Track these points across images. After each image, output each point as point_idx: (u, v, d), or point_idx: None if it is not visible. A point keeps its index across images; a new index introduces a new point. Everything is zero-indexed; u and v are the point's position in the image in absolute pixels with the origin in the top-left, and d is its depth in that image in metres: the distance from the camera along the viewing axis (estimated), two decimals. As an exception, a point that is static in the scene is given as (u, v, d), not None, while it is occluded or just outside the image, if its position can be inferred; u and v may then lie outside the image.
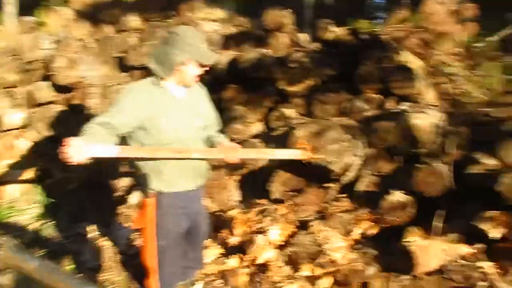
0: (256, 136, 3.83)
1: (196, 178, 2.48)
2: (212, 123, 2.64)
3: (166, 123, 2.32)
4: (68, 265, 3.59)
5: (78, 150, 1.99)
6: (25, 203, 4.76)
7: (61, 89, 4.86)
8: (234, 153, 2.52)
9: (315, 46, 4.72)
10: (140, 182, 2.46)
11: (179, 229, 2.45)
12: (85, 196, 4.63)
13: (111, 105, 2.33)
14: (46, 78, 5.02)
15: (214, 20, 4.99)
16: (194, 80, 2.41)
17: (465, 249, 2.80)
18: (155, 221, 2.35)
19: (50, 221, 4.33)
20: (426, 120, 3.09)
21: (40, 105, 4.98)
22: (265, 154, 2.81)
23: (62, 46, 4.99)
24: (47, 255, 3.69)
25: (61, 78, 4.65)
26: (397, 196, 3.06)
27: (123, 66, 4.75)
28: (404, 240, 2.89)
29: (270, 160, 3.39)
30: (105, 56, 4.89)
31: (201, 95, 2.58)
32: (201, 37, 2.42)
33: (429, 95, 3.82)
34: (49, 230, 4.16)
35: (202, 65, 2.34)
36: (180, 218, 2.44)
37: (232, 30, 4.92)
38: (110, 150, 2.15)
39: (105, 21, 5.05)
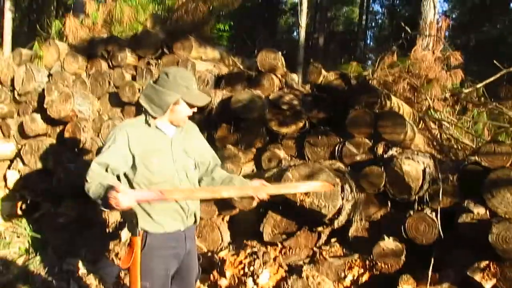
0: (247, 176, 3.83)
1: (185, 218, 2.42)
2: (207, 160, 2.59)
3: (158, 163, 2.31)
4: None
5: (126, 196, 1.96)
6: (11, 236, 4.65)
7: (53, 122, 4.86)
8: (264, 190, 2.42)
9: (307, 89, 4.82)
10: (126, 220, 2.43)
11: (165, 270, 2.38)
12: (74, 231, 4.54)
13: (105, 144, 2.31)
14: (38, 110, 5.03)
15: (207, 60, 5.09)
16: (185, 120, 2.43)
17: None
18: (141, 261, 2.27)
19: (36, 256, 4.21)
20: (415, 166, 3.13)
21: (31, 137, 4.95)
22: (291, 189, 2.78)
23: (56, 79, 5.03)
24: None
25: (54, 111, 4.65)
26: (389, 242, 3.07)
27: (117, 101, 4.77)
28: (396, 288, 2.87)
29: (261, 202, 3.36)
30: (98, 91, 4.92)
31: (193, 133, 2.58)
32: (192, 78, 2.45)
33: (418, 141, 3.89)
34: (35, 265, 4.05)
35: (192, 106, 2.37)
36: (167, 259, 2.37)
37: (224, 70, 5.01)
38: (152, 194, 2.13)
39: (100, 56, 5.10)
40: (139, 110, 4.60)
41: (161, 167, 2.31)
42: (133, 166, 2.28)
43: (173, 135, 2.42)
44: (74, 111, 4.62)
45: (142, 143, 2.29)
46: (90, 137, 4.73)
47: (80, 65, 5.10)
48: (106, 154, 2.24)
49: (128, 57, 4.91)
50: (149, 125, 2.35)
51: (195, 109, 2.40)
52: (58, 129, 4.97)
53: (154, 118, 2.34)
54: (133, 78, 4.83)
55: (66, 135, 4.74)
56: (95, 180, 2.11)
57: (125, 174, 2.31)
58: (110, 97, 4.88)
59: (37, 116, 4.95)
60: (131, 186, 2.29)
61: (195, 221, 2.51)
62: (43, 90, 4.96)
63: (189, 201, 2.41)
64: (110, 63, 5.04)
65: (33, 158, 4.85)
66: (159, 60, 4.79)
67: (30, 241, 4.55)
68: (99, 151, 2.45)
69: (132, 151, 2.26)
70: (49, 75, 5.22)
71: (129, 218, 2.34)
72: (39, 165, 4.83)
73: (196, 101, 2.37)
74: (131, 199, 1.98)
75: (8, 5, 10.61)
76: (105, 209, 2.10)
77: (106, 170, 2.19)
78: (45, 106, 4.75)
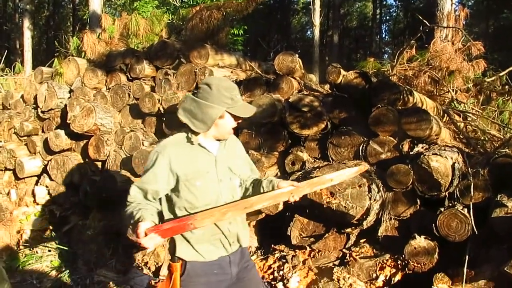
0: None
1: (227, 244, 2.22)
2: (247, 175, 2.41)
3: (202, 186, 2.15)
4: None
5: (150, 241, 1.88)
6: (43, 250, 4.75)
7: (77, 136, 4.94)
8: (298, 192, 2.23)
9: (326, 89, 4.78)
10: (168, 249, 2.24)
11: None
12: (101, 243, 4.61)
13: (146, 168, 2.17)
14: (62, 126, 5.13)
15: (224, 66, 5.09)
16: (230, 133, 2.25)
17: (495, 297, 2.71)
18: None
19: (67, 269, 4.29)
20: (443, 162, 3.06)
21: (56, 152, 5.05)
22: (325, 183, 2.46)
23: (77, 95, 5.12)
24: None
25: (77, 126, 4.73)
26: (420, 241, 3.01)
27: (137, 113, 4.82)
28: (430, 287, 2.81)
29: (288, 204, 3.29)
30: (119, 104, 4.98)
31: (236, 146, 2.40)
32: (236, 88, 2.24)
33: (444, 135, 3.80)
34: (67, 278, 4.12)
35: (238, 118, 2.18)
36: (211, 285, 2.19)
37: (242, 75, 5.00)
38: (181, 226, 2.00)
39: (119, 69, 5.17)
40: (160, 120, 4.69)
41: (205, 189, 2.16)
42: (176, 189, 2.15)
43: (217, 152, 2.24)
44: (97, 125, 4.69)
45: (184, 165, 2.13)
46: (113, 149, 4.79)
47: (100, 79, 5.18)
48: (146, 178, 2.13)
49: (146, 68, 4.96)
50: (191, 143, 2.18)
51: (239, 121, 2.22)
52: (82, 144, 5.06)
53: (196, 134, 2.18)
54: (152, 89, 4.88)
55: (90, 148, 4.81)
56: (130, 207, 2.06)
57: (167, 196, 2.19)
58: (131, 109, 4.94)
59: (61, 132, 5.04)
60: (173, 209, 2.17)
61: (240, 245, 2.29)
62: (65, 106, 5.06)
63: (233, 224, 2.23)
64: (129, 76, 5.10)
65: (59, 173, 4.95)
66: (176, 70, 4.82)
67: (60, 254, 4.63)
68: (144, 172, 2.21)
69: (174, 174, 2.12)
70: (70, 91, 5.33)
71: (170, 244, 2.21)
72: (66, 180, 4.91)
73: (242, 113, 2.17)
74: (155, 241, 1.89)
75: (26, 23, 10.86)
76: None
77: (146, 195, 2.12)
78: (68, 121, 4.83)
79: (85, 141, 4.98)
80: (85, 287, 4.06)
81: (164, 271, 4.06)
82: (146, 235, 1.87)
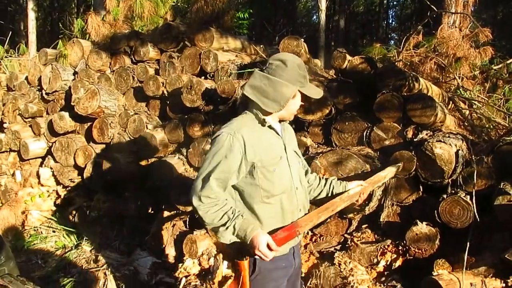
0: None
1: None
2: (305, 164, 2.33)
3: (279, 172, 2.01)
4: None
5: (271, 253, 1.84)
6: (47, 231, 4.81)
7: (81, 119, 4.96)
8: (365, 191, 2.30)
9: (331, 74, 4.74)
10: (231, 244, 2.02)
11: None
12: (106, 225, 4.67)
13: (216, 150, 1.93)
14: (66, 108, 5.14)
15: (229, 50, 5.06)
16: (294, 114, 2.14)
17: (495, 283, 2.73)
18: (253, 287, 2.01)
19: (72, 250, 4.35)
20: (447, 149, 3.06)
21: (61, 134, 5.07)
22: (380, 180, 2.61)
23: (81, 77, 5.12)
24: (71, 284, 3.72)
25: (81, 108, 4.74)
26: (422, 227, 3.02)
27: (142, 96, 4.82)
28: (431, 273, 2.83)
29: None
30: (123, 87, 4.98)
31: (291, 130, 2.28)
32: (305, 66, 2.09)
33: (449, 122, 3.79)
34: (71, 258, 4.18)
35: (306, 98, 2.07)
36: (279, 281, 2.10)
37: (247, 59, 4.98)
38: (292, 234, 1.93)
39: (123, 52, 5.15)
40: (164, 103, 4.68)
41: (280, 175, 2.02)
42: (249, 177, 1.98)
43: (281, 134, 2.12)
44: (101, 107, 4.69)
45: (260, 150, 1.97)
46: (117, 132, 4.81)
47: (104, 61, 5.17)
48: (224, 167, 1.91)
49: (151, 51, 4.95)
50: (262, 124, 2.02)
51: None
52: (86, 126, 5.08)
53: (266, 114, 2.02)
54: (156, 72, 4.87)
55: (94, 131, 4.83)
56: (217, 207, 1.89)
57: (236, 186, 2.02)
58: (135, 92, 4.94)
59: (65, 114, 5.06)
60: (247, 199, 2.01)
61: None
62: (70, 88, 5.06)
63: (302, 212, 2.14)
64: (133, 58, 5.10)
65: (63, 155, 4.98)
66: (181, 53, 4.80)
67: (65, 235, 4.69)
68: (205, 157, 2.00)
69: (249, 160, 1.94)
70: (75, 73, 5.33)
71: (234, 243, 2.01)
72: (70, 162, 4.95)
73: (313, 93, 2.06)
74: (274, 250, 1.84)
75: (31, 5, 10.80)
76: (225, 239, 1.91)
77: (225, 188, 1.96)
78: (72, 103, 4.85)
79: (89, 124, 5.00)
80: (90, 267, 4.11)
81: (169, 252, 4.11)
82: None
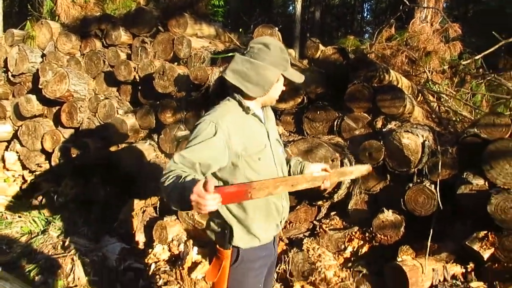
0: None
1: (279, 222, 2.07)
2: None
3: (263, 161, 1.94)
4: (57, 281, 3.54)
5: (213, 201, 1.50)
6: (13, 216, 4.69)
7: (49, 102, 4.82)
8: (329, 179, 2.13)
9: (304, 64, 4.77)
10: (215, 232, 1.99)
11: (259, 284, 2.07)
12: (74, 210, 4.58)
13: (196, 135, 1.82)
14: (34, 91, 4.99)
15: (202, 37, 5.01)
16: (276, 99, 2.06)
17: (456, 269, 2.83)
18: (231, 276, 1.94)
19: (39, 236, 4.25)
20: (414, 139, 3.13)
21: (28, 118, 4.93)
22: (346, 175, 2.52)
23: (50, 59, 4.97)
24: (36, 271, 3.64)
25: (49, 92, 4.61)
26: (388, 215, 3.09)
27: (113, 80, 4.73)
28: (395, 259, 2.91)
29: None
30: (93, 71, 4.86)
31: (272, 115, 2.19)
32: (287, 50, 2.01)
33: (417, 114, 3.88)
34: (38, 244, 4.09)
35: (288, 83, 2.01)
36: (260, 271, 2.06)
37: (221, 46, 4.94)
38: (242, 193, 1.71)
39: (94, 35, 5.03)
40: (135, 89, 4.61)
41: (265, 165, 1.96)
42: (233, 167, 1.89)
43: (264, 121, 2.04)
44: (70, 91, 4.58)
45: (244, 138, 1.88)
46: (87, 117, 4.71)
47: (74, 44, 5.04)
48: (198, 148, 1.77)
49: (122, 35, 4.84)
50: (247, 112, 1.94)
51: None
52: (54, 110, 4.95)
53: (248, 99, 1.94)
54: (128, 56, 4.78)
55: (63, 115, 4.71)
56: (173, 173, 1.67)
57: (218, 176, 1.92)
58: (106, 77, 4.84)
59: (33, 97, 4.91)
60: None
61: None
62: (37, 70, 4.91)
63: (285, 200, 2.09)
64: (104, 42, 4.98)
65: (30, 139, 4.84)
66: (154, 38, 4.72)
67: (31, 221, 4.59)
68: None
69: (233, 150, 1.84)
70: (43, 55, 5.17)
71: (218, 227, 1.98)
72: (37, 146, 4.82)
73: (296, 77, 2.00)
74: (215, 205, 1.50)
75: (-3, -16, 10.36)
76: (184, 210, 1.76)
77: (193, 165, 1.76)
78: (40, 86, 4.70)
79: (57, 108, 4.87)
80: (57, 254, 4.04)
81: (139, 238, 4.08)
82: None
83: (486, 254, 2.68)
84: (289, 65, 1.97)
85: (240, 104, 1.93)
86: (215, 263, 1.97)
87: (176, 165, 1.72)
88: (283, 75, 1.95)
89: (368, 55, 4.85)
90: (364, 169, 2.52)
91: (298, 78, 2.01)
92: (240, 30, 6.23)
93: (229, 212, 1.93)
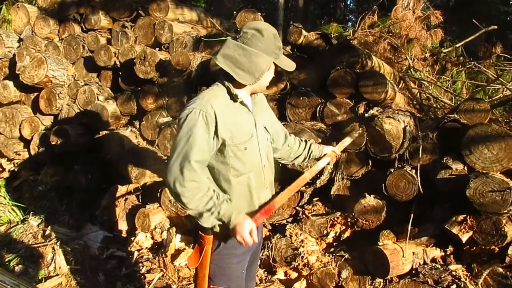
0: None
1: (264, 205, 2.06)
2: (279, 132, 2.28)
3: (248, 150, 1.94)
4: (38, 270, 3.49)
5: (250, 237, 1.81)
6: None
7: (27, 88, 4.70)
8: (336, 154, 2.57)
9: (287, 50, 4.75)
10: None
11: (242, 270, 2.09)
12: (54, 199, 4.51)
13: (188, 131, 1.80)
14: (11, 77, 4.85)
15: (184, 22, 4.94)
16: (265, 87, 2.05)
17: (435, 252, 2.88)
18: (213, 261, 1.98)
19: (19, 225, 4.17)
20: (396, 125, 3.16)
21: (5, 105, 4.80)
22: (343, 144, 2.79)
23: (27, 44, 4.84)
24: (16, 260, 3.58)
25: (27, 77, 4.49)
26: (370, 200, 3.12)
27: (92, 66, 4.63)
28: (377, 243, 2.95)
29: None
30: (73, 56, 4.76)
31: (263, 101, 2.18)
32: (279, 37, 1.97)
33: (399, 100, 3.90)
34: (17, 233, 4.02)
35: (279, 70, 2.02)
36: (242, 257, 2.08)
37: (203, 31, 4.88)
38: (268, 213, 1.96)
39: (73, 19, 4.91)
40: (116, 74, 4.53)
41: (250, 154, 1.96)
42: (219, 156, 1.90)
43: (252, 109, 2.01)
44: (48, 77, 4.47)
45: (231, 127, 1.88)
46: (66, 103, 4.61)
47: (52, 29, 4.91)
48: (202, 146, 1.80)
49: (102, 20, 4.74)
50: (233, 99, 1.91)
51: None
52: (32, 96, 4.83)
53: (238, 87, 1.92)
54: (108, 41, 4.69)
55: (41, 102, 4.61)
56: (201, 191, 1.78)
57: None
58: (85, 62, 4.74)
59: (10, 83, 4.79)
60: (217, 178, 1.94)
61: None
62: (14, 55, 4.77)
63: (268, 189, 2.13)
64: (84, 27, 4.87)
65: (8, 126, 4.73)
66: (134, 23, 4.63)
67: (10, 210, 4.50)
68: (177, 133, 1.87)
69: (220, 138, 1.85)
70: (20, 40, 5.03)
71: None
72: (15, 133, 4.71)
73: (288, 65, 1.99)
74: (254, 234, 1.81)
75: (-29, -34, 10.01)
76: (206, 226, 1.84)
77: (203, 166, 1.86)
78: (17, 72, 4.57)
79: (35, 94, 4.76)
80: (37, 243, 3.98)
81: (121, 226, 4.04)
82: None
83: (464, 237, 2.73)
84: (281, 53, 1.94)
85: (229, 91, 1.91)
86: (197, 248, 1.98)
87: (196, 175, 1.78)
88: (274, 63, 1.94)
89: (351, 42, 4.85)
90: (356, 134, 2.91)
91: (290, 66, 2.00)
92: (222, 17, 6.16)
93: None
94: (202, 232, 1.93)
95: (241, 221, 1.80)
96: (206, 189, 1.80)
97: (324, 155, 2.46)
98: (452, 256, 2.87)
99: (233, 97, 1.91)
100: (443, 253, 2.91)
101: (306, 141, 2.43)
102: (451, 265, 2.80)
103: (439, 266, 2.80)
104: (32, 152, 4.65)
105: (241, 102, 1.94)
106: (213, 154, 1.89)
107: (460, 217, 2.79)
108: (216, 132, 1.83)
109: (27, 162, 4.80)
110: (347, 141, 2.80)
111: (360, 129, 3.20)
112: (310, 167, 2.69)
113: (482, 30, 5.73)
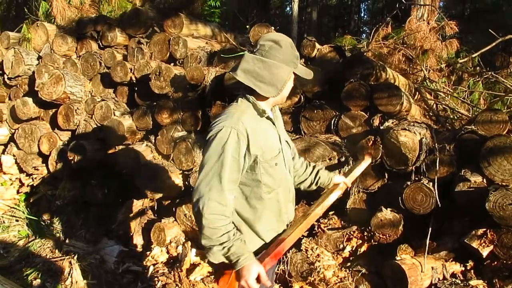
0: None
1: (287, 225, 2.06)
2: (293, 148, 2.23)
3: (278, 165, 1.91)
4: (54, 284, 3.51)
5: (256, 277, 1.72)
6: (10, 220, 4.67)
7: (45, 105, 4.80)
8: (346, 186, 2.42)
9: (301, 63, 4.76)
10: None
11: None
12: (71, 213, 4.56)
13: (218, 151, 1.74)
14: (30, 94, 4.97)
15: (198, 37, 5.00)
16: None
17: (455, 267, 2.82)
18: None
19: (36, 239, 4.23)
20: (412, 137, 3.12)
21: (24, 121, 4.91)
22: (356, 173, 2.73)
23: (46, 61, 4.96)
24: (34, 274, 3.62)
25: (46, 94, 4.59)
26: (386, 213, 3.08)
27: (109, 82, 4.71)
28: (394, 258, 2.89)
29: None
30: (90, 72, 4.85)
31: (280, 116, 2.14)
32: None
33: (414, 112, 3.86)
34: (35, 248, 4.07)
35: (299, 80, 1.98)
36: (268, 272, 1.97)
37: (217, 46, 4.93)
38: (279, 254, 1.88)
39: (90, 37, 5.01)
40: (132, 90, 4.59)
41: (280, 170, 1.93)
42: (250, 172, 1.85)
43: (276, 124, 1.99)
44: (66, 93, 4.56)
45: (261, 143, 1.83)
46: (83, 118, 4.69)
47: (70, 46, 5.03)
48: (231, 164, 1.74)
49: (118, 36, 4.83)
50: (261, 115, 1.88)
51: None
52: (50, 112, 4.93)
53: (260, 99, 1.88)
54: (124, 57, 4.77)
55: (59, 117, 4.69)
56: (223, 221, 1.72)
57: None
58: (102, 78, 4.83)
59: (29, 100, 4.90)
60: (248, 199, 1.90)
61: None
62: (33, 73, 4.90)
63: (292, 203, 2.10)
64: (100, 44, 4.97)
65: (27, 142, 4.82)
66: (150, 39, 4.71)
67: (29, 224, 4.56)
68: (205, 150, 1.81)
69: (253, 154, 1.81)
70: (39, 57, 5.15)
71: None
72: (34, 149, 4.80)
73: (307, 74, 1.96)
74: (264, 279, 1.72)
75: (-7, -12, 10.35)
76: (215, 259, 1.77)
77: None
78: (36, 89, 4.69)
79: (54, 110, 4.86)
80: (55, 257, 4.01)
81: (137, 240, 4.06)
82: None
83: (485, 252, 2.66)
84: (299, 62, 1.93)
85: (255, 106, 1.87)
86: (223, 279, 1.90)
87: (224, 197, 1.72)
88: (293, 72, 1.91)
89: (364, 54, 4.83)
90: (366, 164, 2.78)
91: (308, 74, 1.97)
92: (236, 31, 6.22)
93: (239, 215, 1.92)
94: (227, 269, 1.84)
95: (249, 264, 1.71)
96: (227, 221, 1.74)
97: (334, 184, 2.39)
98: (472, 271, 2.80)
99: (260, 113, 1.88)
100: (463, 268, 2.84)
101: (314, 166, 2.35)
102: (472, 280, 2.73)
103: (460, 282, 2.73)
104: (50, 167, 4.72)
105: (267, 117, 1.91)
106: (244, 173, 1.84)
107: (480, 231, 2.72)
108: (248, 150, 1.78)
109: (45, 177, 4.88)
110: (357, 171, 2.72)
111: (371, 158, 3.06)
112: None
113: (498, 40, 5.65)
